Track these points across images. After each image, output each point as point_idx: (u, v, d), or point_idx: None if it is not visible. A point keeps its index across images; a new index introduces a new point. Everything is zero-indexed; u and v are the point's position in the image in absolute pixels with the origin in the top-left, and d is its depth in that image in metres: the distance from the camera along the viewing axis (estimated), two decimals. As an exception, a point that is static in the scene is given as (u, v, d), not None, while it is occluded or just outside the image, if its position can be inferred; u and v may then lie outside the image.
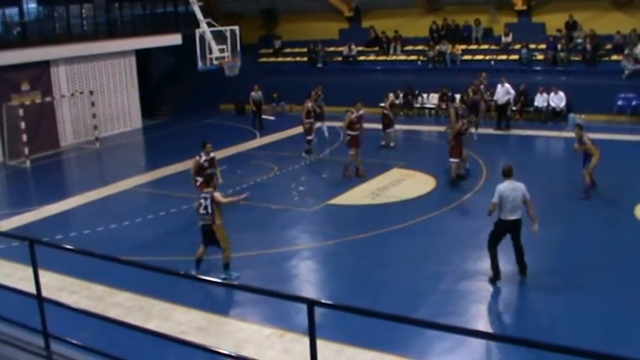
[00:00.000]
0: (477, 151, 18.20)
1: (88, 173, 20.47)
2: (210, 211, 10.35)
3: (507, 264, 11.13)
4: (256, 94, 24.68)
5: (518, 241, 9.85)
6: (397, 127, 20.64)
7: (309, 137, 19.47)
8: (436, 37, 27.13)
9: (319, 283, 11.13)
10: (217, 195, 10.52)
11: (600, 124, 21.67)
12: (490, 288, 10.12)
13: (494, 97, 22.26)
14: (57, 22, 23.72)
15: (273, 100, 27.36)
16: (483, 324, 8.86)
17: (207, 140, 13.99)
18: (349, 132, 16.72)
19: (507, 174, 9.76)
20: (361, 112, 17.04)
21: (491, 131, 20.99)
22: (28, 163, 20.49)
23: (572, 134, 20.93)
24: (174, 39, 26.14)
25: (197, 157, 13.70)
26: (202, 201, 10.47)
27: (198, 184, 13.28)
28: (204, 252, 10.75)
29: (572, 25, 24.52)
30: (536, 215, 9.85)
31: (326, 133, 20.92)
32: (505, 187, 9.62)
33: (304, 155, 19.18)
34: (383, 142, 20.01)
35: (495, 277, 10.03)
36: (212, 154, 13.83)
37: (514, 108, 23.29)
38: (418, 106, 25.56)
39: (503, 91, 22.00)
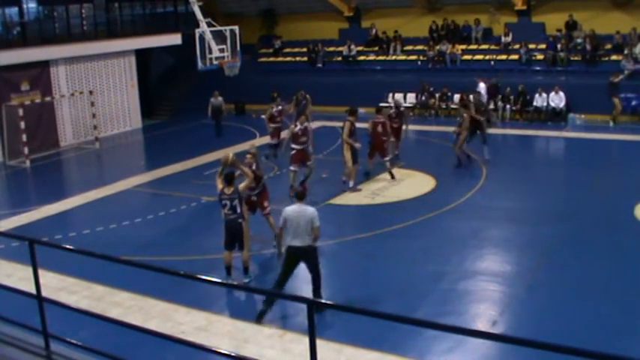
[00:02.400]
0: (476, 152, 18.19)
1: (88, 173, 20.47)
2: (238, 210, 10.10)
3: (506, 264, 11.18)
4: (216, 100, 23.02)
5: (312, 270, 9.27)
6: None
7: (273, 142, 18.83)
8: (436, 37, 27.14)
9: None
10: (242, 187, 10.26)
11: (600, 124, 21.70)
12: (490, 288, 10.13)
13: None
14: (57, 22, 23.76)
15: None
16: (483, 324, 8.85)
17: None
18: (293, 145, 15.00)
19: (300, 197, 9.17)
20: (305, 124, 14.95)
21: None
22: (27, 163, 20.49)
23: (571, 134, 21.13)
24: (174, 39, 26.15)
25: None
26: (227, 202, 10.04)
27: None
28: (232, 256, 10.37)
29: (571, 25, 24.53)
30: (316, 242, 9.24)
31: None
32: (291, 210, 8.99)
33: (264, 160, 17.20)
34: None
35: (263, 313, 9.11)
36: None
37: (514, 108, 23.33)
38: (443, 106, 25.10)
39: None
